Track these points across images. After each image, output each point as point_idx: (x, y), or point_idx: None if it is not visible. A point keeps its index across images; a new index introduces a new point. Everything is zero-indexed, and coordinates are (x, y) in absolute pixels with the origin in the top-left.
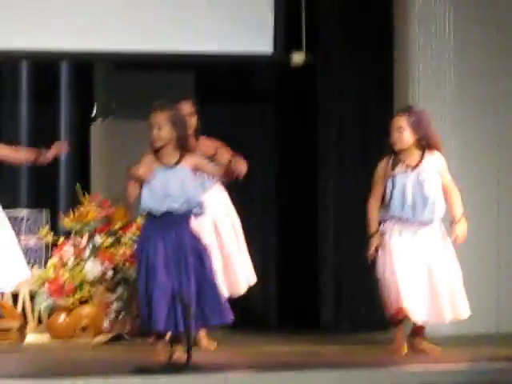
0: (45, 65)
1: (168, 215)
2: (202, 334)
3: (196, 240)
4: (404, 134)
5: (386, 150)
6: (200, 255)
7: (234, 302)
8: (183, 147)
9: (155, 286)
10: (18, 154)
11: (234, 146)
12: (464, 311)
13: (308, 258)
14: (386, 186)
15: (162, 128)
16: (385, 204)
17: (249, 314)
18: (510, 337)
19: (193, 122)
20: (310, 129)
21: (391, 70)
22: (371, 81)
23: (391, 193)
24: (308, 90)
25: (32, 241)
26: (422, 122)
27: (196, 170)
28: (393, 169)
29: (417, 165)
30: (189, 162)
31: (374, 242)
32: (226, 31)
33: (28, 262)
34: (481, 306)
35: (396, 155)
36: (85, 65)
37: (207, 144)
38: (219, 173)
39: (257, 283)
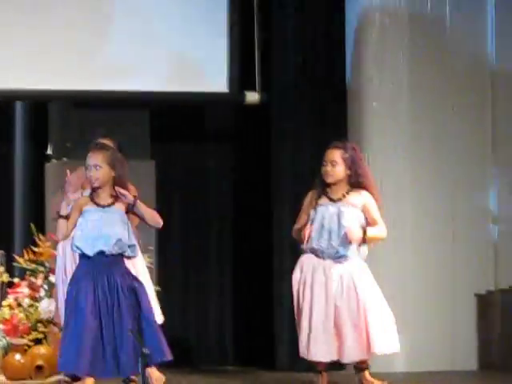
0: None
1: (100, 256)
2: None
3: (130, 279)
4: (337, 167)
5: (317, 182)
6: (136, 294)
7: (189, 340)
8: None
9: (83, 328)
10: None
11: (190, 184)
12: (387, 347)
13: (263, 297)
14: (309, 216)
15: (100, 168)
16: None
17: (205, 354)
18: (465, 374)
19: None
20: (264, 167)
21: (345, 107)
22: (325, 119)
23: (311, 223)
24: (263, 129)
25: None
26: (355, 159)
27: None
28: (317, 200)
29: (339, 199)
30: (121, 203)
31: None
32: (182, 70)
33: None
34: (436, 343)
35: (323, 188)
36: (39, 104)
37: None
38: (160, 222)
39: (213, 322)
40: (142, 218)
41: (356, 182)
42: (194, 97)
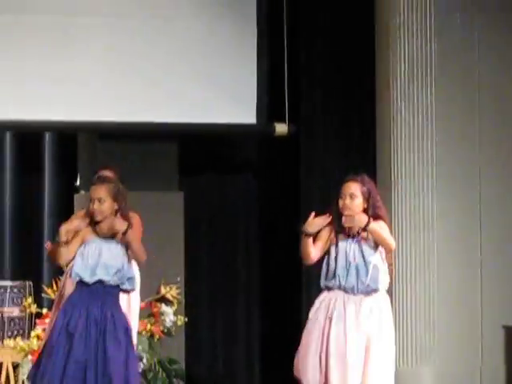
0: (28, 135)
1: (98, 285)
2: None
3: (123, 314)
4: (355, 200)
5: (333, 215)
6: (126, 330)
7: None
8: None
9: (70, 356)
10: None
11: (218, 216)
12: None
13: (291, 331)
14: (329, 252)
15: (103, 202)
16: (327, 271)
17: (234, 382)
18: None
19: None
20: (292, 198)
21: (374, 144)
22: (354, 154)
23: (335, 260)
24: (291, 160)
25: (15, 312)
26: (372, 192)
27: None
28: (336, 236)
29: (358, 233)
30: (123, 237)
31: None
32: (210, 102)
33: (11, 333)
34: (463, 376)
35: (340, 223)
36: (68, 135)
37: None
38: (142, 258)
39: (242, 352)
40: (128, 247)
41: (372, 215)
42: (221, 128)
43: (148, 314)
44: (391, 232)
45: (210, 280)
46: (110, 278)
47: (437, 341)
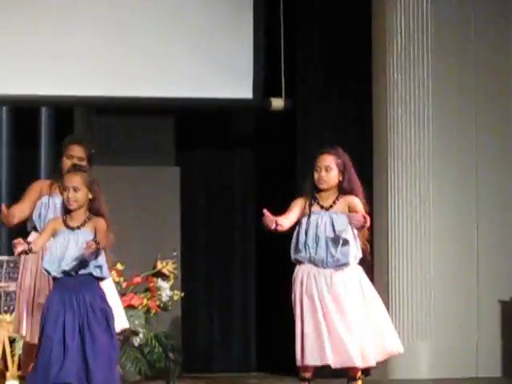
0: (25, 110)
1: (67, 277)
2: None
3: (101, 300)
4: (331, 173)
5: (304, 190)
6: (106, 316)
7: (213, 347)
8: (94, 211)
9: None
10: None
11: (214, 190)
12: (393, 348)
13: (287, 304)
14: (300, 224)
15: (78, 191)
16: (296, 243)
17: (229, 360)
18: (489, 381)
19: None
20: (288, 173)
21: (370, 113)
22: (350, 129)
23: (305, 232)
24: (287, 135)
25: (12, 287)
26: (347, 165)
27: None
28: (310, 208)
29: (330, 206)
30: (91, 225)
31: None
32: (207, 77)
33: (8, 308)
34: (460, 350)
35: (314, 196)
36: (65, 110)
37: None
38: (107, 246)
39: (237, 329)
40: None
41: (347, 188)
42: (218, 103)
43: (144, 288)
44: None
45: (206, 254)
46: (71, 270)
47: (433, 316)
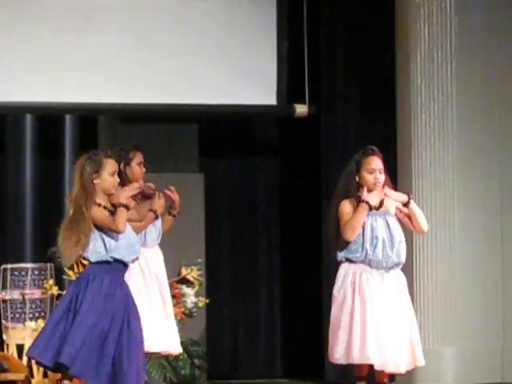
0: (49, 118)
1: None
2: None
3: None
4: (383, 175)
5: (348, 192)
6: (135, 307)
7: (238, 353)
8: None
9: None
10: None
11: (238, 196)
12: (422, 359)
13: (312, 310)
14: None
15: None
16: (350, 245)
17: (254, 366)
18: None
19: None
20: (313, 179)
21: (394, 121)
22: (374, 135)
23: (362, 233)
24: (311, 141)
25: (37, 294)
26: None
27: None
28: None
29: (380, 206)
30: None
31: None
32: (230, 83)
33: (33, 315)
34: (485, 355)
35: (359, 197)
36: (89, 118)
37: None
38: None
39: (262, 334)
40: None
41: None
42: (242, 109)
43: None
44: None
45: (230, 261)
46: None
47: (458, 321)
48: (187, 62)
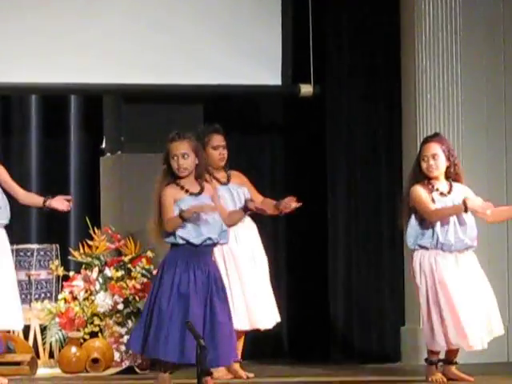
0: (54, 98)
1: (202, 244)
2: (237, 366)
3: (218, 271)
4: (439, 160)
5: (417, 177)
6: (222, 287)
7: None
8: (201, 177)
9: (187, 315)
10: (28, 199)
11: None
12: (500, 329)
13: (318, 291)
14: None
15: (187, 157)
16: (421, 231)
17: (260, 346)
18: None
19: (225, 154)
20: (317, 159)
21: (399, 100)
22: (379, 114)
23: None
24: (316, 121)
25: (43, 275)
26: (451, 150)
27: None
28: (431, 194)
29: (449, 192)
30: (209, 191)
31: (472, 203)
32: (235, 63)
33: (39, 296)
34: None
35: (429, 182)
36: (94, 98)
37: (236, 176)
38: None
39: None
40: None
41: (453, 172)
42: (247, 90)
43: None
44: None
45: None
46: (217, 236)
47: None
48: (192, 43)
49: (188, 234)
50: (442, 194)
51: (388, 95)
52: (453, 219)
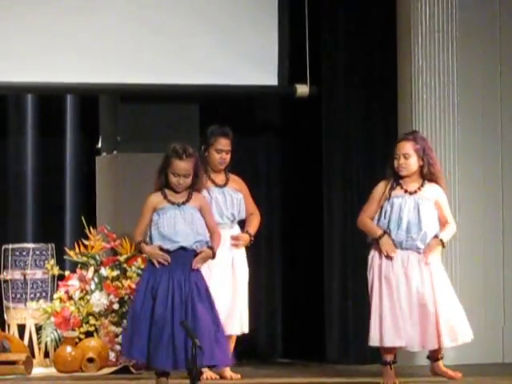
0: (50, 98)
1: (178, 251)
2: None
3: (201, 278)
4: (410, 160)
5: (386, 174)
6: (206, 293)
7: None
8: (193, 187)
9: (155, 320)
10: None
11: (239, 177)
12: (465, 336)
13: (314, 290)
14: (381, 207)
15: (189, 176)
16: (376, 224)
17: (254, 346)
18: None
19: (227, 158)
20: (314, 159)
21: (395, 101)
22: (375, 115)
23: (388, 215)
24: (312, 122)
25: (38, 274)
26: (426, 150)
27: (200, 210)
28: (391, 191)
29: (415, 191)
30: (197, 201)
31: (387, 241)
32: (231, 64)
33: (34, 295)
34: (486, 335)
35: (396, 180)
36: (90, 98)
37: (235, 181)
38: (212, 227)
39: (263, 315)
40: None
41: (428, 172)
42: (243, 90)
43: None
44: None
45: None
46: (189, 246)
47: (461, 301)
48: (188, 43)
49: (162, 241)
50: (406, 191)
51: (384, 96)
52: (407, 218)
